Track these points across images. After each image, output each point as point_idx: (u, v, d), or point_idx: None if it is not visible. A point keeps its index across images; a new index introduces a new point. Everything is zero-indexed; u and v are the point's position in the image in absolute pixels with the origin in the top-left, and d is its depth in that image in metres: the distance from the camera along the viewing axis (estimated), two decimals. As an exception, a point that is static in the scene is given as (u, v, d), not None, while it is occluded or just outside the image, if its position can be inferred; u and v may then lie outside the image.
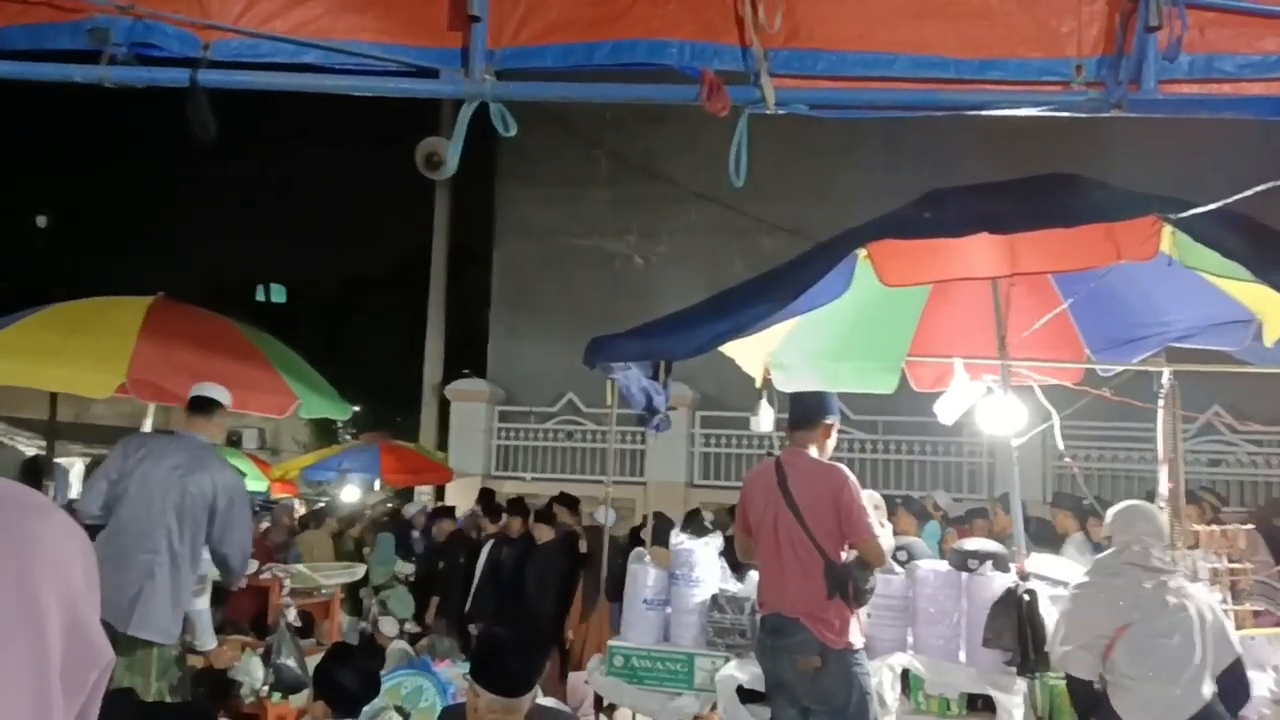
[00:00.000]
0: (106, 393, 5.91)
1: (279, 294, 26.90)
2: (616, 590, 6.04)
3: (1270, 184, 2.92)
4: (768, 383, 5.75)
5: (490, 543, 9.03)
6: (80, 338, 6.02)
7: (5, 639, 0.78)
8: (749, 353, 5.49)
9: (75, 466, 11.68)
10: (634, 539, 8.25)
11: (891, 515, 7.92)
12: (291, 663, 5.04)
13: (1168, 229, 3.82)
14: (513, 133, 2.80)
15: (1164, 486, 5.12)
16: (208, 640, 4.98)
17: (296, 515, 12.29)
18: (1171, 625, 3.65)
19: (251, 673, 5.15)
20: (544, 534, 8.61)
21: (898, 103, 2.82)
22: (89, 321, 6.26)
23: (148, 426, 6.18)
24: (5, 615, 0.79)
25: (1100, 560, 4.05)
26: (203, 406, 4.79)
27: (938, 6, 2.76)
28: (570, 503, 9.23)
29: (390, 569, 10.02)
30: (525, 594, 8.29)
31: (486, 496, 10.42)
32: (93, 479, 4.88)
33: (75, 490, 10.97)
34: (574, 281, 15.00)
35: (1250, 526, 5.29)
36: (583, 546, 8.49)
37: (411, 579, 9.97)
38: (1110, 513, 4.14)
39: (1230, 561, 4.67)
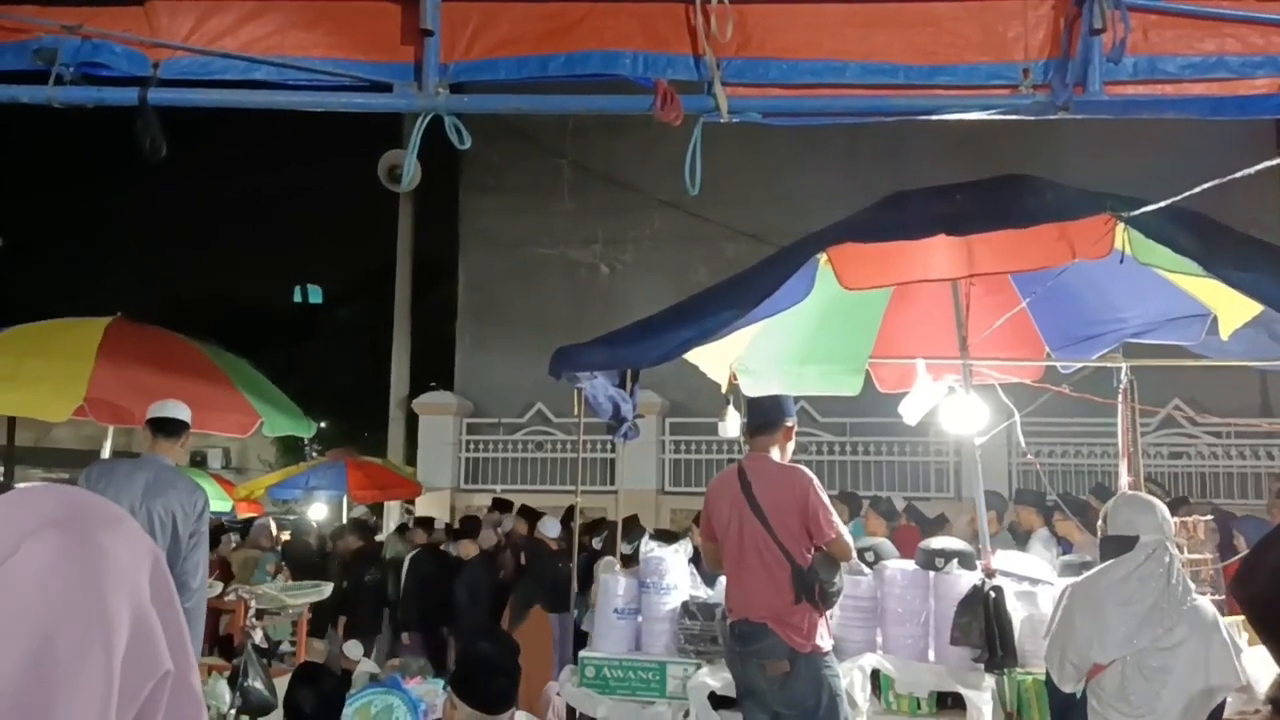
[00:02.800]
0: (64, 416, 5.82)
1: (315, 295, 25.98)
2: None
3: (1219, 180, 2.97)
4: (733, 388, 5.76)
5: (413, 554, 8.98)
6: (36, 360, 5.93)
7: (83, 654, 0.81)
8: (714, 359, 5.51)
9: (36, 491, 11.47)
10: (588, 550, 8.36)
11: (860, 516, 7.97)
12: (259, 685, 4.97)
13: (1121, 227, 3.87)
14: (467, 146, 2.80)
15: (1124, 480, 5.20)
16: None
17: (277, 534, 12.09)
18: (1174, 660, 3.31)
19: (219, 696, 5.07)
20: (468, 549, 8.61)
21: (849, 109, 2.85)
22: (45, 344, 6.17)
23: (107, 450, 6.09)
24: (84, 628, 0.82)
25: (1119, 567, 3.49)
26: (168, 428, 4.71)
27: (886, 14, 2.80)
28: (531, 516, 9.27)
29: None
30: (456, 609, 8.28)
31: (501, 505, 10.24)
32: None
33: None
34: (540, 292, 14.97)
35: (1209, 518, 5.38)
36: (522, 558, 8.52)
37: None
38: (1119, 506, 3.69)
39: (1190, 552, 4.74)
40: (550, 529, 8.52)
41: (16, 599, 0.82)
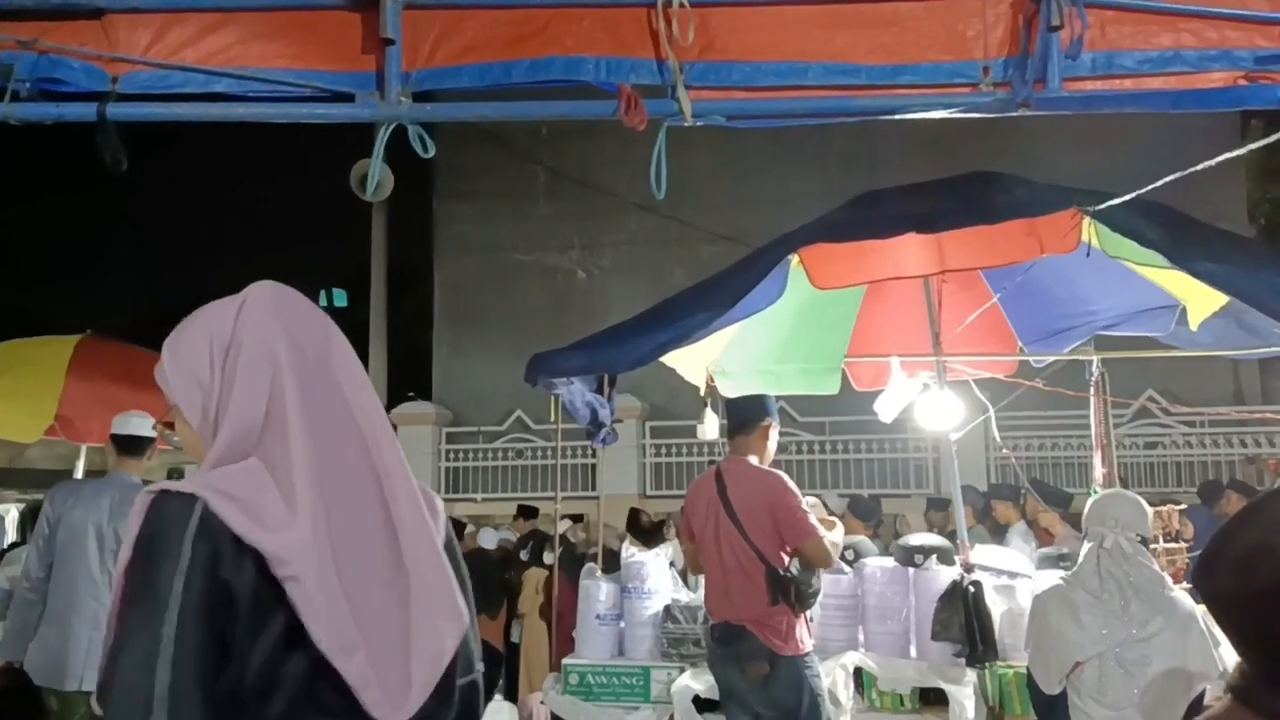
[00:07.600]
0: (34, 436, 5.75)
1: (340, 298, 25.82)
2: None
3: (1182, 172, 3.00)
4: (711, 390, 5.77)
5: None
6: (5, 380, 5.85)
7: None
8: (691, 362, 5.51)
9: (10, 513, 11.29)
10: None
11: (840, 516, 7.99)
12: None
13: (1087, 221, 3.91)
14: (431, 154, 2.79)
15: (1099, 472, 5.24)
16: None
17: None
18: (1151, 650, 3.34)
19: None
20: None
21: (813, 110, 2.86)
22: (13, 363, 6.08)
23: (79, 470, 6.01)
24: None
25: (1085, 565, 3.56)
26: (130, 446, 4.62)
27: (848, 15, 2.81)
28: (457, 526, 9.35)
29: None
30: None
31: (527, 512, 10.24)
32: (30, 543, 4.71)
33: (11, 537, 10.61)
34: (517, 297, 14.95)
35: (1183, 507, 5.42)
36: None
37: None
38: (1094, 504, 3.72)
39: (1165, 542, 4.79)
40: (487, 540, 8.61)
41: None
